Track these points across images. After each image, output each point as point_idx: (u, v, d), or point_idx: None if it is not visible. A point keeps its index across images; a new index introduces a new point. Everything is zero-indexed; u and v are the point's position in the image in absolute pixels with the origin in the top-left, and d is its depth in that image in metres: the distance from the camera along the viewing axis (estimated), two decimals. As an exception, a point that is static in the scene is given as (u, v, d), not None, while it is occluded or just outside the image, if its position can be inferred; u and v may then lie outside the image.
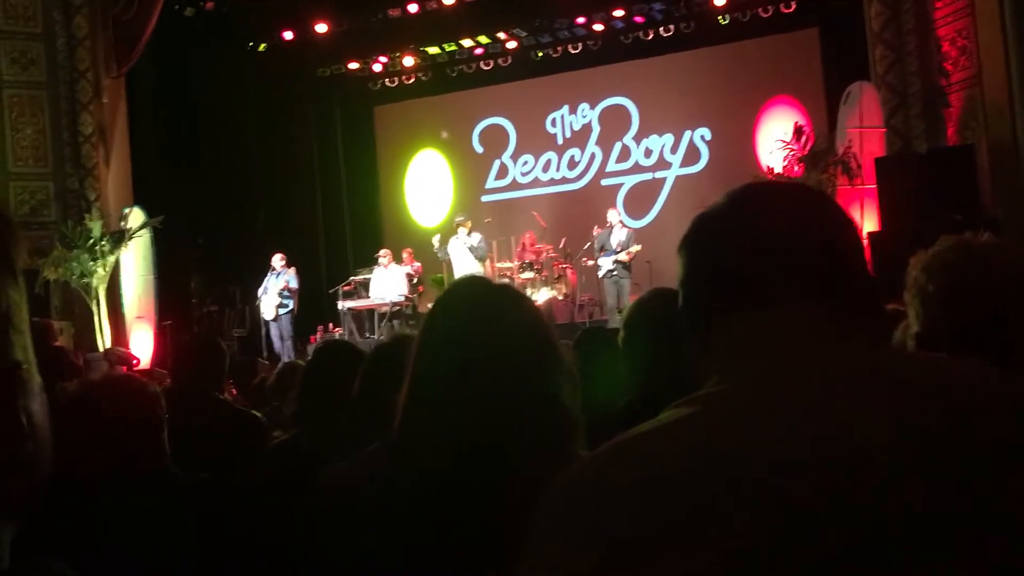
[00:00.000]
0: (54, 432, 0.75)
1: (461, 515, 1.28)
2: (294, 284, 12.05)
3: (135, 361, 9.66)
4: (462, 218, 12.66)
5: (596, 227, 12.23)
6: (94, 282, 9.97)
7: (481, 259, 12.21)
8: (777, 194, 1.04)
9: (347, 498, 1.42)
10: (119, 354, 9.48)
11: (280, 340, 12.02)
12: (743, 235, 0.96)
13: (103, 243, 9.97)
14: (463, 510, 1.28)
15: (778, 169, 9.61)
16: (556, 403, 1.37)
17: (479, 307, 1.43)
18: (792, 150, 9.43)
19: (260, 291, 12.16)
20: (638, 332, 2.14)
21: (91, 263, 9.89)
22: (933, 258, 1.48)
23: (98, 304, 10.03)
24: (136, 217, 10.40)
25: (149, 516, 1.77)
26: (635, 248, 11.63)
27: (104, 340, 10.01)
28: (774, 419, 0.84)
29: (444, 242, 12.51)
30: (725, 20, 13.14)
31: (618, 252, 11.70)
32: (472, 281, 1.57)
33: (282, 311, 11.98)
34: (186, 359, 3.67)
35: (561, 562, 0.82)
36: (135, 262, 10.51)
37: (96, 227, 9.98)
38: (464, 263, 12.13)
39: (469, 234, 12.36)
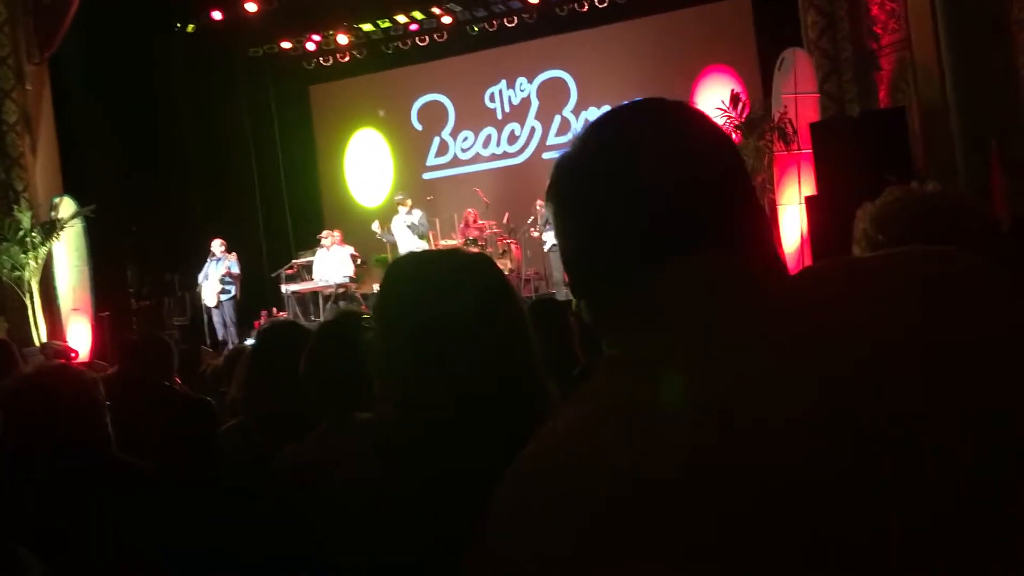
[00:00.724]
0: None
1: (438, 489, 1.22)
2: (235, 270, 11.87)
3: (74, 354, 9.43)
4: (401, 196, 12.60)
5: (539, 201, 12.22)
6: (26, 275, 9.72)
7: (423, 236, 12.17)
8: (662, 116, 0.85)
9: (307, 479, 1.39)
10: (56, 348, 9.25)
11: (224, 327, 11.86)
12: (636, 167, 0.80)
13: (33, 234, 9.71)
14: (439, 486, 1.22)
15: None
16: (532, 367, 1.31)
17: (435, 270, 1.37)
18: (729, 117, 9.50)
19: (201, 277, 11.97)
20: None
21: (22, 255, 9.64)
22: (880, 208, 1.48)
23: (32, 297, 9.78)
24: (67, 207, 10.13)
25: (96, 502, 1.73)
26: (578, 221, 11.65)
27: (40, 334, 9.77)
28: (724, 391, 0.68)
29: (385, 224, 12.44)
30: (659, -10, 13.16)
31: (561, 225, 11.72)
32: (419, 253, 1.52)
33: (224, 297, 11.81)
34: (133, 352, 3.62)
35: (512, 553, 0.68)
36: (68, 253, 10.23)
37: (25, 218, 9.72)
38: (408, 242, 12.09)
39: (409, 212, 12.31)
